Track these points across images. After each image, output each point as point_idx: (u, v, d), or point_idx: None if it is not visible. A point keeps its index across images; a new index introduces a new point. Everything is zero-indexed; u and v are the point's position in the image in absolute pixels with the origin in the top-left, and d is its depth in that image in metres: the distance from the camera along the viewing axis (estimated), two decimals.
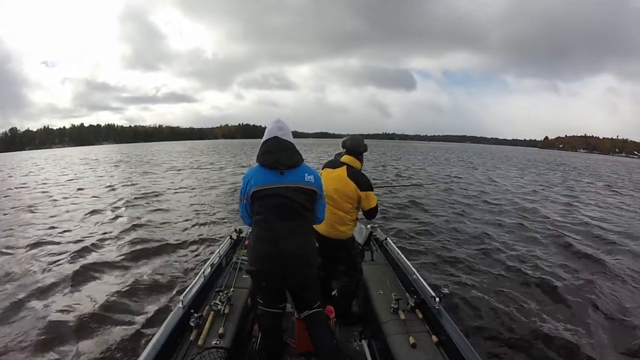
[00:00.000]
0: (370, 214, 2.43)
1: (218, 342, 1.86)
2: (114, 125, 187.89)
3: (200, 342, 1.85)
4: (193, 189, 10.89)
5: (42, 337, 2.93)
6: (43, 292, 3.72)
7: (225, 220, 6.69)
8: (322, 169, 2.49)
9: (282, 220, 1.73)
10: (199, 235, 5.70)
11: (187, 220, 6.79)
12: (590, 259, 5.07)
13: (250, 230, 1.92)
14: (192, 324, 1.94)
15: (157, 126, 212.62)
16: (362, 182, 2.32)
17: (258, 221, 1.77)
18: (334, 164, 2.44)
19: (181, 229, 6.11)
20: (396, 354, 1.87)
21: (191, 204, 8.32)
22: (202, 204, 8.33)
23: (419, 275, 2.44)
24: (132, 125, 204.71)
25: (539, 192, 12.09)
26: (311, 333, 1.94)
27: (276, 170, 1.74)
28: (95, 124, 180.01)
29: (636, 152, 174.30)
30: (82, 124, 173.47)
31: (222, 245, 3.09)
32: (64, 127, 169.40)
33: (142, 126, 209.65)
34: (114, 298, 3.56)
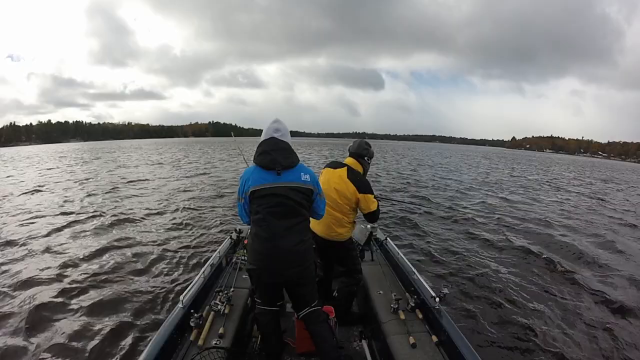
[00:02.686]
0: (371, 217, 2.41)
1: (218, 342, 1.86)
2: (82, 122, 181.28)
3: (200, 342, 1.85)
4: (188, 188, 10.87)
5: (39, 336, 2.94)
6: (40, 290, 3.72)
7: (225, 218, 6.69)
8: (324, 168, 2.50)
9: (280, 219, 1.76)
10: (198, 235, 5.70)
11: (186, 219, 6.78)
12: (594, 262, 5.08)
13: (249, 230, 1.93)
14: (192, 324, 1.94)
15: (127, 123, 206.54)
16: (361, 185, 2.31)
17: (256, 220, 1.79)
18: (335, 164, 2.45)
19: (181, 228, 6.10)
20: (396, 354, 1.87)
21: (189, 202, 8.31)
22: (200, 203, 8.32)
23: (419, 275, 2.44)
24: (101, 123, 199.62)
25: (536, 192, 12.10)
26: (310, 331, 1.95)
27: (273, 171, 1.77)
28: (63, 121, 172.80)
29: (600, 153, 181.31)
30: (49, 121, 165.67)
31: (222, 245, 3.09)
32: (31, 123, 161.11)
33: (111, 123, 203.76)
34: (113, 298, 3.56)
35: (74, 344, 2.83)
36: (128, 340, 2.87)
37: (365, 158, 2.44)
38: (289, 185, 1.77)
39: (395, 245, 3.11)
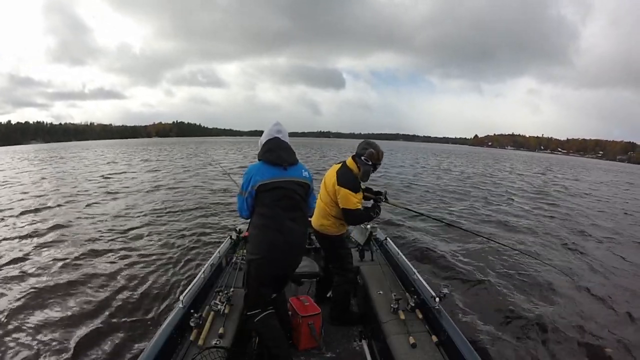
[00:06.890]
0: (346, 214, 2.32)
1: (218, 342, 1.86)
2: (43, 123, 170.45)
3: (200, 342, 1.85)
4: (186, 187, 10.86)
5: (38, 336, 2.93)
6: (39, 289, 3.72)
7: (224, 216, 6.69)
8: None
9: (286, 211, 1.91)
10: (198, 235, 5.69)
11: (185, 219, 6.78)
12: (593, 255, 5.08)
13: (250, 223, 2.01)
14: (192, 324, 1.94)
15: (89, 124, 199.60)
16: (342, 178, 2.30)
17: (263, 213, 1.90)
18: (339, 162, 2.52)
19: (180, 228, 6.10)
20: (396, 354, 1.87)
21: (188, 202, 8.30)
22: (200, 202, 8.31)
23: (419, 275, 2.45)
24: (62, 123, 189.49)
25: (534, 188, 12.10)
26: (278, 306, 2.15)
27: (280, 167, 1.93)
28: (23, 122, 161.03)
29: (560, 149, 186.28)
30: (9, 122, 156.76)
31: (222, 245, 3.09)
32: None
33: (73, 124, 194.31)
34: (113, 298, 3.55)
35: (73, 343, 2.83)
36: (128, 340, 2.87)
37: (363, 158, 2.35)
38: (294, 179, 1.95)
39: (395, 245, 3.12)
